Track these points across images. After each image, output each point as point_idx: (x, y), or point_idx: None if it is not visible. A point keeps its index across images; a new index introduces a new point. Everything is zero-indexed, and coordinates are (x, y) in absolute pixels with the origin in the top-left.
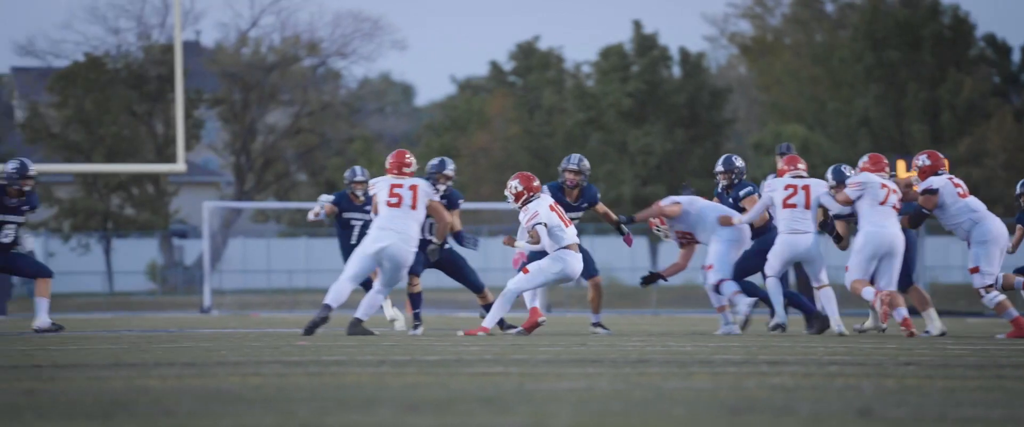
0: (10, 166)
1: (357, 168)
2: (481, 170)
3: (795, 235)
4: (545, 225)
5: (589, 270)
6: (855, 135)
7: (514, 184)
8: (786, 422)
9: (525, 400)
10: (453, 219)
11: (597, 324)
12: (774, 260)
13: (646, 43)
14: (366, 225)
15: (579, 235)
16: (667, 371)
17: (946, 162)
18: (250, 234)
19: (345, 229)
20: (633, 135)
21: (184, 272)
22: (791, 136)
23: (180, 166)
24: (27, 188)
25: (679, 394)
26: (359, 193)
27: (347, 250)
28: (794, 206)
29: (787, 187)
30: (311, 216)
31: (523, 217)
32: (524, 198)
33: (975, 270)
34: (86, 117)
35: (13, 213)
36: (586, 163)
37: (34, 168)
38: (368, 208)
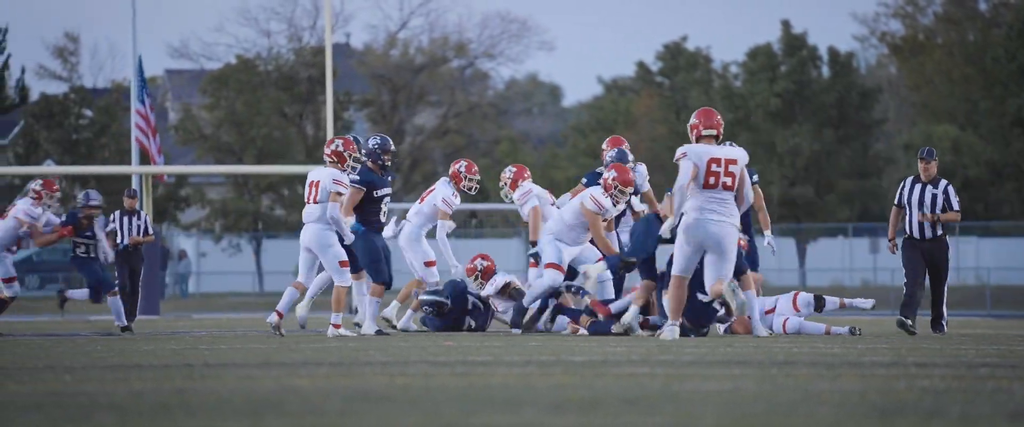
0: (82, 196)
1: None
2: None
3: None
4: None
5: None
6: (1008, 135)
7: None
8: (935, 424)
9: (670, 401)
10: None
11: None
12: None
13: (795, 43)
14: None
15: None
16: (814, 373)
17: None
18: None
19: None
20: (781, 135)
21: None
22: (942, 136)
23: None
24: (93, 215)
25: (826, 396)
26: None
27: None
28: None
29: None
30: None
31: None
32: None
33: None
34: (237, 118)
35: (84, 237)
36: None
37: (98, 198)
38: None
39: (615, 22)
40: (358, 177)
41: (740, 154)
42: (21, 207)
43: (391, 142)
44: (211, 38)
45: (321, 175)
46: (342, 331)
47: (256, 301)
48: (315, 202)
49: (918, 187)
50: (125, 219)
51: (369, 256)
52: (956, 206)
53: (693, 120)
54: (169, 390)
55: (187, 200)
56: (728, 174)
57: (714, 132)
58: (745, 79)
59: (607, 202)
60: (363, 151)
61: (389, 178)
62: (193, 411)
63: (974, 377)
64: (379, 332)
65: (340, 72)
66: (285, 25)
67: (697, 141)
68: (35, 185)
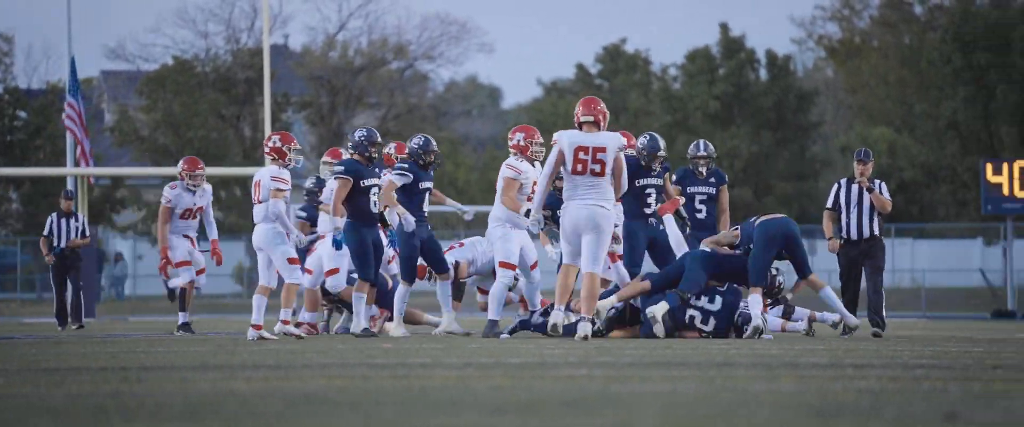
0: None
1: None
2: None
3: None
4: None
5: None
6: (943, 138)
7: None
8: (872, 425)
9: (610, 403)
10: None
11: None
12: None
13: (733, 46)
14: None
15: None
16: (753, 374)
17: None
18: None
19: None
20: (719, 138)
21: None
22: (878, 139)
23: (258, 171)
24: None
25: (765, 397)
26: None
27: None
28: None
29: None
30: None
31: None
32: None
33: None
34: (174, 120)
35: None
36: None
37: None
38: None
39: (555, 24)
40: (343, 168)
41: (609, 140)
42: None
43: (378, 134)
44: (147, 39)
45: (262, 174)
46: (290, 328)
47: (194, 304)
48: (259, 202)
49: (855, 188)
50: (62, 222)
51: (356, 252)
52: (888, 197)
53: (576, 108)
54: (106, 393)
55: (123, 202)
56: (596, 161)
57: (592, 119)
58: (684, 81)
59: (524, 165)
60: (350, 144)
61: (377, 170)
62: (130, 414)
63: (910, 378)
64: (365, 332)
65: (278, 74)
66: (223, 27)
67: (579, 128)
68: None
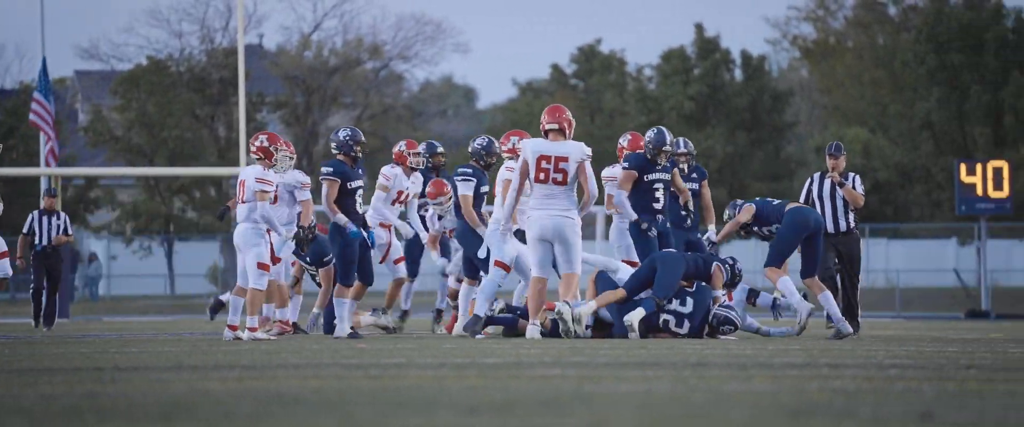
0: None
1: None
2: None
3: None
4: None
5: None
6: (917, 138)
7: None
8: (847, 425)
9: (585, 403)
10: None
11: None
12: None
13: (708, 46)
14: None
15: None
16: (727, 374)
17: None
18: None
19: None
20: (695, 138)
21: None
22: (853, 139)
23: (242, 169)
24: None
25: (739, 397)
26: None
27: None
28: None
29: None
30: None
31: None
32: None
33: None
34: (149, 120)
35: None
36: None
37: None
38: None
39: (530, 25)
40: (331, 169)
41: (572, 150)
42: None
43: (361, 134)
44: (121, 39)
45: (247, 174)
46: (259, 334)
47: (168, 304)
48: (243, 202)
49: (828, 182)
50: (44, 219)
51: (341, 255)
52: (861, 191)
53: (542, 116)
54: (80, 394)
55: (97, 202)
56: (558, 170)
57: (557, 126)
58: (659, 82)
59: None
60: (334, 144)
61: (360, 171)
62: (104, 415)
63: (884, 378)
64: (353, 334)
65: (253, 74)
66: (197, 26)
67: (545, 136)
68: None
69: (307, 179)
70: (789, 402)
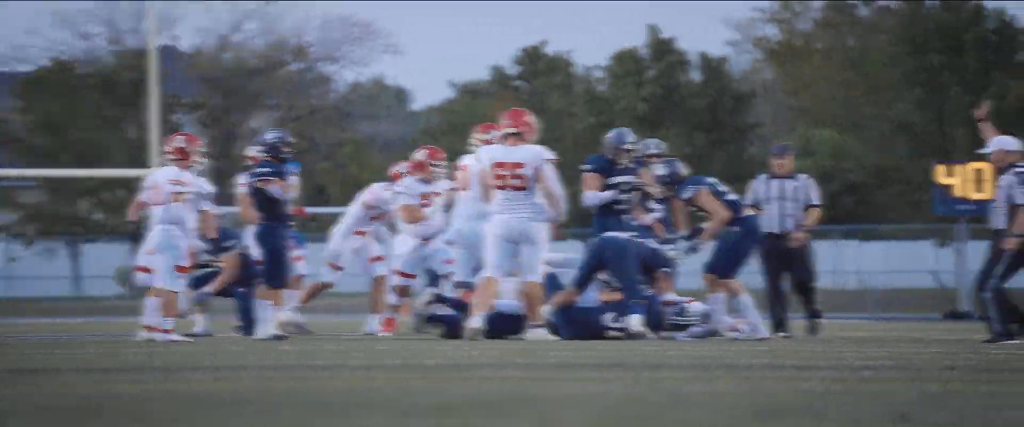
0: None
1: None
2: None
3: None
4: None
5: None
6: (893, 139)
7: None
8: (814, 426)
9: (528, 404)
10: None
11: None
12: None
13: (662, 47)
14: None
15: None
16: (688, 375)
17: None
18: None
19: None
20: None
21: None
22: (823, 140)
23: (151, 171)
24: None
25: (699, 398)
26: None
27: None
28: None
29: None
30: None
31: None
32: None
33: None
34: (53, 122)
35: None
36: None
37: None
38: None
39: (468, 27)
40: (268, 170)
41: (529, 155)
42: None
43: (289, 135)
44: (23, 41)
45: (158, 177)
46: (173, 336)
47: (72, 306)
48: (157, 204)
49: (775, 183)
50: None
51: (271, 257)
52: (816, 200)
53: (503, 121)
54: None
55: None
56: (516, 176)
57: (515, 131)
58: (610, 83)
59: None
60: (262, 147)
61: (291, 167)
62: (4, 419)
63: (858, 379)
64: (276, 336)
65: (169, 75)
66: (105, 28)
67: (504, 140)
68: None
69: (212, 189)
70: (753, 403)
